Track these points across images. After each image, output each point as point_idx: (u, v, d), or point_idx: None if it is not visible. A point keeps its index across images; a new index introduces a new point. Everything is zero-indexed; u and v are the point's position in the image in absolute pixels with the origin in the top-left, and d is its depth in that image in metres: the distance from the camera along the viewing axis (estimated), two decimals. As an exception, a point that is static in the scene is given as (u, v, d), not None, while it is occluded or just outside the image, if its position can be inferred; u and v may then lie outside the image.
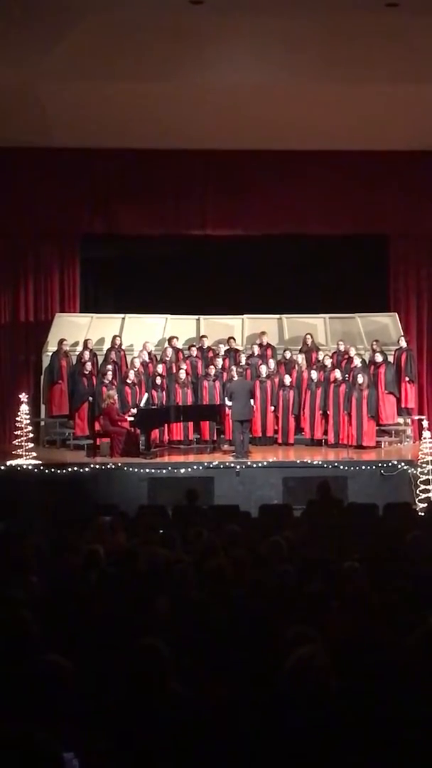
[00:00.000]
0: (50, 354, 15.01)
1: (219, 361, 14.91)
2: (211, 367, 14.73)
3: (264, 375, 14.57)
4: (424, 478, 12.26)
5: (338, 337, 15.60)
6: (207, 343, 15.50)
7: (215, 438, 14.43)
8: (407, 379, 15.10)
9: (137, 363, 14.70)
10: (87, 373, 14.50)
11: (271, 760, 3.26)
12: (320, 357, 15.00)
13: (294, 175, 15.99)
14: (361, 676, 3.95)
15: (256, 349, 15.30)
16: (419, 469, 12.35)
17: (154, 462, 13.04)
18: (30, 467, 12.63)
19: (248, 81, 13.56)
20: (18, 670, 3.62)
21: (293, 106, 14.24)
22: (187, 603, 5.16)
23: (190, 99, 14.07)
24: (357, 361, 14.54)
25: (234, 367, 14.45)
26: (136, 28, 12.73)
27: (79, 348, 15.08)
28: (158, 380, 14.33)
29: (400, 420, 14.97)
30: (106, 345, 15.33)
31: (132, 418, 13.43)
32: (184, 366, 14.68)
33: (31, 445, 13.08)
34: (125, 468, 12.61)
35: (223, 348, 15.31)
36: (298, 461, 13.05)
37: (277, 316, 16.09)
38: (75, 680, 3.45)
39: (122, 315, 15.91)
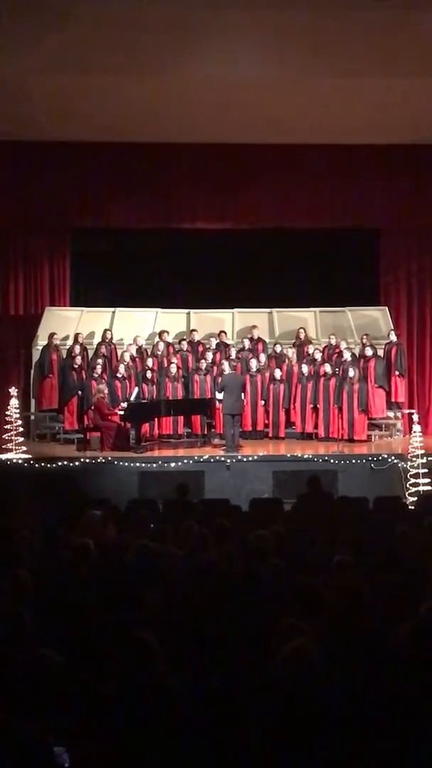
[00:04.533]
0: (40, 348, 14.97)
1: (209, 355, 14.90)
2: (202, 361, 14.72)
3: (254, 369, 14.57)
4: (414, 471, 12.29)
5: (328, 331, 15.60)
6: (197, 337, 15.49)
7: (206, 432, 14.43)
8: (397, 373, 15.12)
9: (127, 357, 14.68)
10: (76, 366, 14.47)
11: (263, 753, 3.27)
12: (310, 351, 15.01)
13: (285, 169, 15.97)
14: (352, 668, 3.96)
15: (247, 343, 15.30)
16: (409, 463, 12.37)
17: (145, 456, 13.02)
18: (20, 461, 12.60)
19: (240, 75, 13.51)
20: (9, 665, 3.61)
21: (285, 100, 14.20)
22: (177, 597, 5.16)
23: (182, 93, 14.01)
24: (347, 355, 14.56)
25: (225, 361, 14.45)
26: (128, 22, 12.66)
27: (70, 342, 15.05)
28: (148, 374, 14.32)
29: (390, 414, 15.00)
30: (97, 339, 15.30)
31: (122, 412, 13.42)
32: (174, 360, 14.67)
33: (21, 439, 13.04)
34: (115, 462, 12.59)
35: (213, 342, 15.31)
36: (288, 455, 13.06)
37: (268, 310, 16.09)
38: (66, 674, 3.45)
39: (112, 309, 15.88)
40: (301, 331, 15.51)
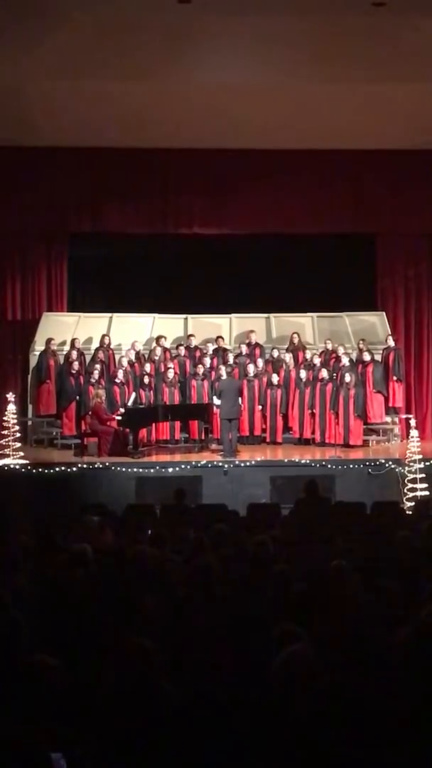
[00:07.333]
0: (38, 353, 14.98)
1: (207, 361, 14.91)
2: (199, 366, 14.73)
3: (252, 374, 14.58)
4: (411, 476, 12.29)
5: (326, 336, 15.63)
6: (194, 342, 15.50)
7: (203, 437, 14.43)
8: (395, 378, 15.14)
9: (125, 362, 14.68)
10: (74, 372, 14.48)
11: (262, 758, 3.26)
12: (308, 356, 15.02)
13: (282, 174, 15.99)
14: (349, 674, 3.96)
15: (245, 348, 15.31)
16: (407, 468, 12.38)
17: (142, 461, 13.03)
18: (17, 467, 12.60)
19: (236, 80, 13.56)
20: (6, 670, 3.61)
21: (281, 106, 14.24)
22: (175, 602, 5.15)
23: (179, 98, 14.06)
24: (345, 360, 14.57)
25: (222, 366, 14.46)
26: (125, 27, 12.71)
27: (67, 347, 15.06)
28: (146, 379, 14.33)
29: (388, 419, 15.01)
30: (94, 344, 15.32)
31: (120, 418, 13.42)
32: (172, 365, 14.67)
33: (18, 444, 13.05)
34: (113, 467, 12.60)
35: (211, 347, 15.32)
36: (285, 460, 13.06)
37: (265, 315, 16.10)
38: (63, 680, 3.44)
39: (110, 314, 15.89)
40: (295, 335, 15.51)
